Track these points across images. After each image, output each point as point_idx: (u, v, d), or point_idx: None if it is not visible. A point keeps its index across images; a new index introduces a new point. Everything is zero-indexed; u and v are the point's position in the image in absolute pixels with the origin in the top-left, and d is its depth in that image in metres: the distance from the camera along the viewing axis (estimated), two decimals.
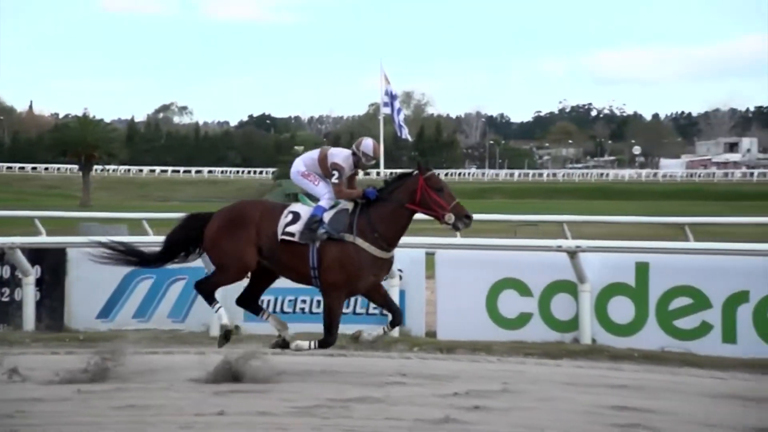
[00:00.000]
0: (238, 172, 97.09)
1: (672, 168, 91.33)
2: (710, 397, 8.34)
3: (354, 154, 9.17)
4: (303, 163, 9.36)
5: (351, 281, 8.91)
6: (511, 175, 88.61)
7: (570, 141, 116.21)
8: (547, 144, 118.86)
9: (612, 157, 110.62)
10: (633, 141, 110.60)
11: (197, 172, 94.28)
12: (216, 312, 9.19)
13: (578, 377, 8.67)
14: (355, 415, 7.55)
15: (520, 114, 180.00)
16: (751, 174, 79.69)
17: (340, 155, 9.15)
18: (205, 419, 7.37)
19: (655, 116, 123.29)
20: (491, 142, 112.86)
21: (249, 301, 9.47)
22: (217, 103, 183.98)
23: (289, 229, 8.91)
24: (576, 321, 10.43)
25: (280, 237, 8.92)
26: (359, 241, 8.79)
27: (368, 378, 8.94)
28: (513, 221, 21.72)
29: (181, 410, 7.66)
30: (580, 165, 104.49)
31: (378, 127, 33.27)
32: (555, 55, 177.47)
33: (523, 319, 10.68)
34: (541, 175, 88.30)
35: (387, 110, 29.35)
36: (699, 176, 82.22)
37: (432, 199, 8.84)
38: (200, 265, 10.10)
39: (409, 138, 34.72)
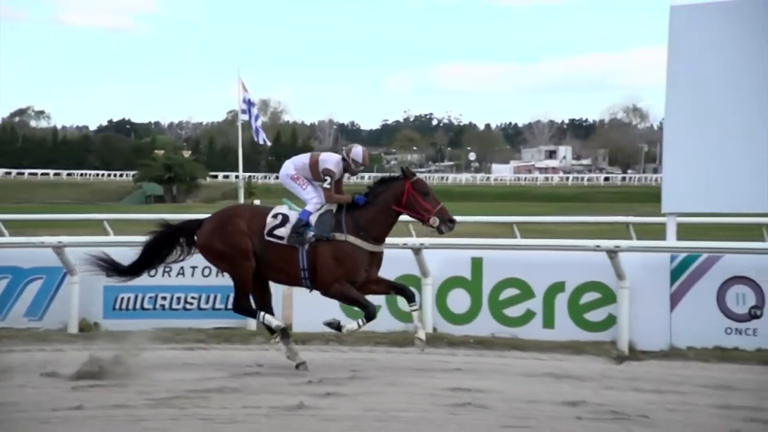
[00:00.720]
0: (97, 174, 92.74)
1: (502, 172, 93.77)
2: (532, 376, 8.62)
3: (344, 159, 9.04)
4: (293, 166, 9.14)
5: (349, 274, 8.72)
6: (362, 177, 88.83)
7: (414, 147, 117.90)
8: (393, 150, 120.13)
9: (451, 163, 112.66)
10: (469, 148, 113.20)
11: (56, 174, 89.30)
12: (263, 321, 8.86)
13: (420, 363, 8.75)
14: (213, 405, 7.40)
15: (369, 122, 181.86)
16: (567, 178, 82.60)
17: (331, 161, 8.99)
18: (62, 414, 7.08)
19: (487, 126, 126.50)
20: (343, 147, 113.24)
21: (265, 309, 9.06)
22: (76, 109, 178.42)
23: (277, 231, 8.72)
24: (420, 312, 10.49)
25: (266, 238, 8.73)
26: (351, 238, 8.67)
27: (226, 370, 8.79)
28: None
29: (39, 406, 7.34)
30: (423, 169, 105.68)
31: (237, 132, 32.93)
32: (400, 69, 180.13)
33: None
34: None
35: (245, 117, 28.92)
36: (524, 180, 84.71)
37: (418, 203, 8.73)
38: (58, 264, 9.81)
39: (268, 143, 34.23)
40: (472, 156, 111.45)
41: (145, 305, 10.97)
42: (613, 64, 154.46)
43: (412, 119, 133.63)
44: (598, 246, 10.06)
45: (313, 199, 8.84)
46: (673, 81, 10.73)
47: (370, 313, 8.66)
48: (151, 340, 9.58)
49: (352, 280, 8.71)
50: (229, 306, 10.60)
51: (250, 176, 63.43)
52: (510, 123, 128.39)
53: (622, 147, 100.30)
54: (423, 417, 7.06)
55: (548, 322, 10.35)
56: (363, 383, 8.27)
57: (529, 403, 7.49)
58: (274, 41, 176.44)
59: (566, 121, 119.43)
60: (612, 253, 9.89)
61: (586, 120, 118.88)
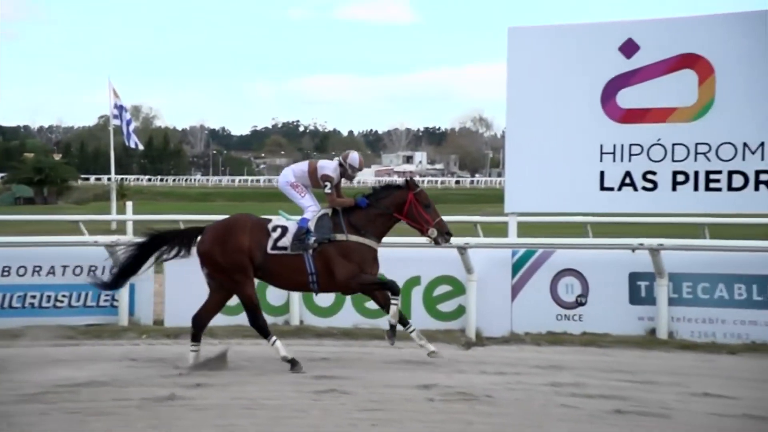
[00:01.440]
0: None
1: (364, 175, 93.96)
2: (390, 363, 8.71)
3: (341, 165, 8.85)
4: (293, 174, 8.92)
5: (361, 266, 8.54)
6: (233, 181, 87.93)
7: (282, 152, 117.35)
8: (263, 154, 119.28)
9: None
10: (334, 153, 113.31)
11: None
12: (273, 344, 8.45)
13: (288, 353, 8.67)
14: (83, 398, 7.19)
15: (240, 128, 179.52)
16: (423, 181, 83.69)
17: (329, 167, 8.81)
18: None
19: (351, 132, 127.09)
20: (214, 151, 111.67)
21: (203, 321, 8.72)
22: None
23: (280, 243, 8.49)
24: (287, 306, 10.48)
25: (270, 252, 8.46)
26: (353, 237, 8.53)
27: (97, 364, 8.51)
28: None
29: None
30: None
31: (108, 137, 32.05)
32: (268, 79, 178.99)
33: (242, 306, 10.57)
34: (258, 180, 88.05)
35: (117, 122, 28.39)
36: (384, 183, 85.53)
37: (419, 213, 8.59)
38: None
39: (140, 146, 33.45)
40: None
41: (14, 303, 10.56)
42: (460, 77, 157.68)
43: (280, 125, 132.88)
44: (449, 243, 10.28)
45: (310, 207, 8.70)
46: (512, 94, 11.00)
47: (394, 289, 8.57)
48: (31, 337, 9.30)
49: (366, 271, 8.63)
50: (102, 303, 10.49)
51: (122, 178, 61.65)
52: (371, 130, 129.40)
53: (470, 153, 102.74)
54: (288, 404, 7.04)
55: (406, 313, 10.32)
56: (232, 374, 8.17)
57: (387, 388, 7.58)
58: (146, 48, 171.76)
59: (421, 129, 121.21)
60: (462, 250, 10.10)
61: (439, 128, 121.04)
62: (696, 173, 10.16)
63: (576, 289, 10.19)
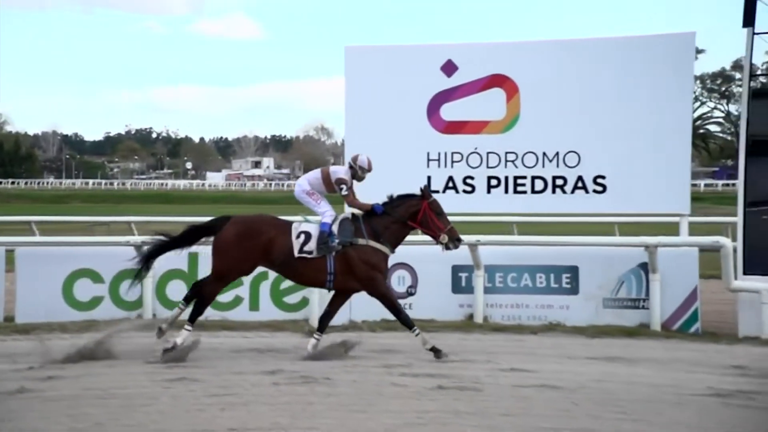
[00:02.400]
0: None
1: (215, 179, 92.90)
2: (239, 351, 8.71)
3: (351, 167, 8.64)
4: (308, 182, 8.68)
5: (382, 271, 8.42)
6: (87, 184, 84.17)
7: (136, 157, 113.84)
8: (117, 159, 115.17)
9: (170, 170, 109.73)
10: (186, 158, 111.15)
11: None
12: (178, 308, 8.48)
13: (139, 346, 8.41)
14: None
15: (93, 134, 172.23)
16: (270, 185, 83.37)
17: (340, 171, 8.64)
18: None
19: (202, 139, 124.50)
20: (68, 156, 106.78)
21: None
22: None
23: (306, 248, 8.28)
24: (141, 301, 10.25)
25: (297, 255, 8.26)
26: (372, 243, 8.34)
27: None
28: (89, 222, 20.81)
29: None
30: (144, 176, 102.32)
31: None
32: (122, 88, 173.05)
33: (95, 302, 10.33)
34: (112, 183, 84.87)
35: None
36: (235, 186, 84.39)
37: (432, 221, 8.39)
38: None
39: None
40: (189, 165, 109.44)
41: None
42: (303, 89, 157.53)
43: (133, 132, 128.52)
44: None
45: (326, 212, 8.47)
46: (350, 106, 11.15)
47: (407, 323, 8.42)
48: None
49: (383, 274, 8.52)
50: None
51: None
52: (221, 137, 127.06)
53: (314, 159, 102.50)
54: (139, 392, 6.88)
55: (254, 305, 10.53)
56: (84, 366, 7.88)
57: (235, 375, 7.54)
58: None
59: (269, 137, 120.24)
60: None
61: (285, 136, 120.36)
62: (506, 178, 10.60)
63: (407, 281, 10.53)
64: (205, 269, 10.28)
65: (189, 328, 8.35)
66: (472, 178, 10.74)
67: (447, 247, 8.46)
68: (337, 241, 8.30)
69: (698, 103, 62.25)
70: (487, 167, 10.68)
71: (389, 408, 6.41)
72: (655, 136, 10.08)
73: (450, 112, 10.76)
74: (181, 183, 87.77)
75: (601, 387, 6.99)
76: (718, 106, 66.82)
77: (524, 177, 10.60)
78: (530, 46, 10.72)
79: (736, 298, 9.66)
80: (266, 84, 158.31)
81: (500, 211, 11.33)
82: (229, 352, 8.63)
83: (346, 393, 6.89)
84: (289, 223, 8.53)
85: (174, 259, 10.52)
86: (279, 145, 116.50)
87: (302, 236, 8.35)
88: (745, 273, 9.68)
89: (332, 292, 8.71)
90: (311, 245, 8.30)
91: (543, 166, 10.54)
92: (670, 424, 5.93)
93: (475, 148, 10.70)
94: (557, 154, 10.51)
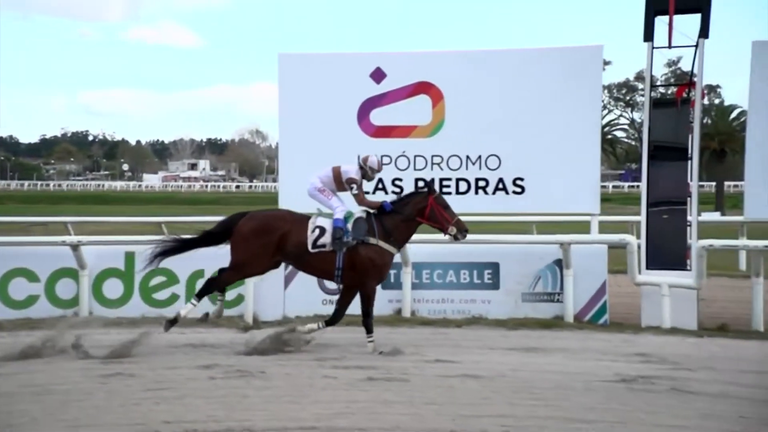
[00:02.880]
0: None
1: (152, 181, 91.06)
2: (175, 347, 8.48)
3: (361, 167, 8.54)
4: (319, 180, 8.56)
5: (380, 274, 8.37)
6: (22, 185, 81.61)
7: (72, 159, 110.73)
8: (53, 161, 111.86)
9: (107, 172, 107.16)
10: (122, 160, 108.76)
11: None
12: (191, 303, 8.32)
13: (102, 341, 8.27)
14: None
15: (28, 136, 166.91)
16: (206, 186, 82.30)
17: (351, 170, 8.51)
18: None
19: (138, 142, 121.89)
20: (2, 158, 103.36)
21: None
22: None
23: (320, 242, 8.22)
24: (77, 299, 10.05)
25: (311, 250, 8.20)
26: (381, 243, 8.26)
27: None
28: (25, 222, 20.20)
29: None
30: (81, 178, 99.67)
31: None
32: (58, 92, 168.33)
33: (31, 300, 10.08)
34: (48, 185, 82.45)
35: None
36: (171, 187, 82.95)
37: (440, 214, 8.35)
38: None
39: None
40: (125, 167, 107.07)
41: None
42: (238, 95, 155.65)
43: (69, 134, 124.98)
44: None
45: (338, 208, 8.38)
46: (284, 111, 11.09)
47: (368, 324, 8.36)
48: None
49: (380, 278, 8.48)
50: None
51: None
52: (158, 140, 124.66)
53: (249, 161, 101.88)
54: (76, 388, 6.75)
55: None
56: (20, 364, 7.67)
57: (171, 369, 7.45)
58: None
59: (204, 140, 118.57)
60: None
61: (221, 139, 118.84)
62: (432, 180, 10.65)
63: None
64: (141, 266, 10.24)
65: (195, 302, 8.34)
66: (400, 179, 10.80)
67: (455, 238, 8.47)
68: (351, 237, 8.26)
69: (606, 111, 63.79)
70: (415, 169, 10.77)
71: (321, 399, 6.44)
72: (569, 141, 10.31)
73: (379, 117, 10.82)
74: (118, 184, 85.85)
75: (518, 376, 7.14)
76: (624, 114, 68.59)
77: (449, 179, 10.72)
78: (454, 55, 10.85)
79: (640, 291, 9.95)
80: (201, 89, 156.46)
81: None
82: (165, 348, 8.45)
83: (280, 385, 6.88)
84: (306, 218, 8.47)
85: (110, 258, 10.42)
86: (215, 148, 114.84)
87: (317, 231, 8.31)
88: (647, 268, 9.98)
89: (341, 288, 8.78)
90: (325, 239, 8.25)
91: (466, 168, 10.68)
92: (579, 408, 6.09)
93: (403, 152, 10.78)
94: (480, 157, 10.66)
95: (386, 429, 5.66)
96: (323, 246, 8.26)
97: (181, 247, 8.70)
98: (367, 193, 10.76)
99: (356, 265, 8.26)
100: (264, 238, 8.23)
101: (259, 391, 6.68)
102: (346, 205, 8.48)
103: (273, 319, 10.18)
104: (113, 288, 10.31)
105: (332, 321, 8.56)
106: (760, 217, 10.24)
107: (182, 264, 10.33)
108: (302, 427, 5.70)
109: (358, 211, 8.49)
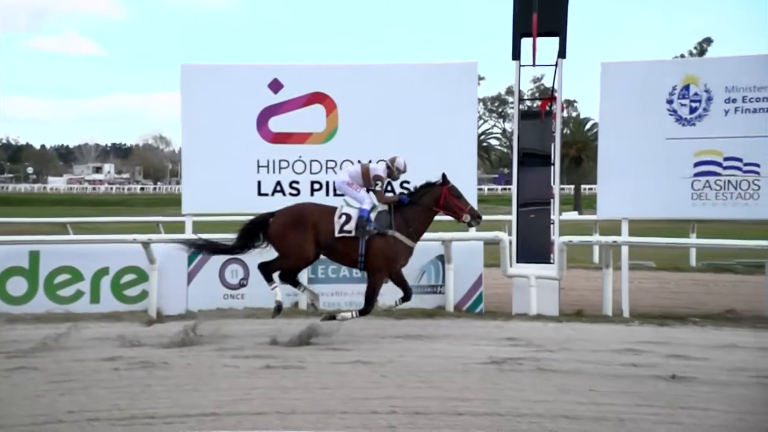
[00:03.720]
0: None
1: (57, 183, 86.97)
2: (81, 340, 8.19)
3: (388, 167, 8.54)
4: (348, 174, 8.60)
5: (390, 264, 8.22)
6: None
7: None
8: None
9: (11, 175, 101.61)
10: (27, 163, 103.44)
11: None
12: (272, 290, 8.31)
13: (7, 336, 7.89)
14: None
15: None
16: (111, 188, 79.35)
17: (379, 169, 8.55)
18: None
19: (43, 146, 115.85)
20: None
21: (290, 276, 8.54)
22: None
23: (346, 227, 8.19)
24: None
25: (337, 234, 8.14)
26: (398, 235, 8.19)
27: None
28: None
29: None
30: None
31: None
32: None
33: None
34: None
35: None
36: (76, 189, 79.47)
37: (454, 204, 8.31)
38: None
39: None
40: (30, 170, 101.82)
41: None
42: (142, 102, 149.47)
43: None
44: (135, 239, 10.01)
45: (365, 200, 8.37)
46: (186, 118, 10.75)
47: (366, 311, 8.30)
48: None
49: (392, 268, 8.31)
50: None
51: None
52: (63, 144, 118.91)
53: (153, 164, 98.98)
54: None
55: (95, 298, 10.08)
56: None
57: (76, 362, 7.20)
58: None
59: (109, 144, 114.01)
60: (146, 245, 9.92)
61: (125, 144, 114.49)
62: (327, 183, 10.62)
63: (239, 274, 10.37)
64: (45, 264, 9.81)
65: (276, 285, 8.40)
66: (297, 182, 10.70)
67: (470, 225, 8.52)
68: (372, 227, 8.22)
69: (482, 121, 65.72)
70: (311, 173, 10.68)
71: (221, 386, 6.34)
72: (449, 147, 10.45)
73: (277, 124, 10.67)
74: (22, 187, 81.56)
75: (405, 361, 7.23)
76: (497, 124, 70.74)
77: None
78: (345, 68, 10.84)
79: (511, 283, 10.22)
80: (105, 96, 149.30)
81: None
82: (70, 342, 8.12)
83: (182, 375, 6.74)
84: (333, 208, 8.45)
85: (14, 257, 9.94)
86: (119, 152, 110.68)
87: (344, 217, 8.28)
88: (517, 261, 10.28)
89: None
90: (350, 226, 8.22)
91: None
92: (458, 388, 6.23)
93: (300, 157, 10.68)
94: (370, 162, 10.69)
95: (283, 413, 5.62)
96: (348, 232, 8.23)
97: (218, 250, 8.79)
98: (266, 195, 10.72)
99: (370, 254, 8.22)
100: (300, 229, 8.23)
101: (162, 381, 6.53)
102: (372, 198, 8.48)
103: (176, 313, 9.95)
104: (18, 285, 9.89)
105: (364, 311, 8.44)
106: (610, 216, 10.67)
107: (86, 262, 10.06)
108: (203, 414, 5.59)
109: (381, 205, 8.48)
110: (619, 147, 10.16)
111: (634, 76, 10.26)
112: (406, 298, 8.50)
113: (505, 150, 63.42)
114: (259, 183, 10.72)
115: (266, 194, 10.72)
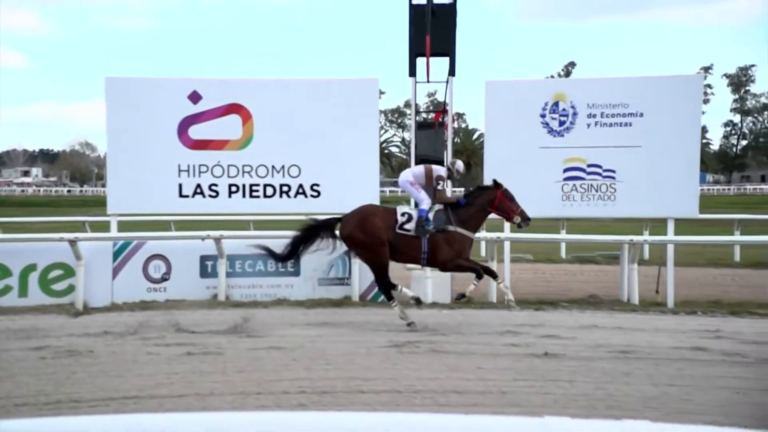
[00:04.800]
0: None
1: None
2: (5, 332, 7.84)
3: (449, 169, 8.53)
4: (412, 174, 8.48)
5: (460, 253, 8.06)
6: None
7: None
8: None
9: None
10: None
11: None
12: (401, 291, 8.12)
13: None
14: None
15: None
16: (39, 191, 75.29)
17: (441, 170, 8.46)
18: None
19: None
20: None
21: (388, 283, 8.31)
22: None
23: (406, 226, 8.08)
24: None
25: (397, 231, 8.03)
26: (459, 230, 8.08)
27: None
28: None
29: None
30: None
31: None
32: None
33: None
34: None
35: None
36: (5, 192, 74.85)
37: (506, 205, 8.18)
38: None
39: None
40: None
41: None
42: (68, 110, 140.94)
43: None
44: (62, 237, 9.62)
45: (424, 200, 8.24)
46: (111, 125, 10.39)
47: (480, 274, 8.05)
48: None
49: (464, 255, 8.14)
50: None
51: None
52: None
53: (79, 169, 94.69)
54: None
55: (23, 293, 9.64)
56: None
57: (2, 351, 6.85)
58: None
59: (37, 150, 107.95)
60: (72, 242, 9.55)
61: (52, 150, 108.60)
62: (244, 186, 10.49)
63: (162, 269, 10.10)
64: None
65: (405, 291, 8.31)
66: (216, 185, 10.50)
67: (519, 225, 8.35)
68: (431, 226, 8.08)
69: (383, 131, 66.39)
70: (228, 177, 10.50)
71: (143, 372, 6.15)
72: (355, 154, 10.51)
73: (197, 132, 10.44)
74: None
75: (314, 346, 7.20)
76: (396, 134, 71.56)
77: (258, 185, 10.54)
78: (260, 82, 10.69)
79: (410, 275, 10.31)
80: (32, 105, 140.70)
81: (239, 212, 11.19)
82: None
83: (107, 362, 6.50)
84: (394, 208, 8.31)
85: None
86: (47, 158, 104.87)
87: (405, 216, 8.16)
88: None
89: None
90: (411, 225, 8.10)
91: (272, 176, 10.54)
92: (361, 370, 6.26)
93: (218, 162, 10.48)
94: (283, 167, 10.58)
95: (202, 395, 5.50)
96: (409, 230, 8.09)
97: (297, 243, 8.52)
98: (186, 196, 10.47)
99: (437, 251, 8.09)
100: (370, 224, 8.10)
101: (87, 368, 6.27)
102: (430, 199, 8.36)
103: (102, 305, 9.58)
104: None
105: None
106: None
107: (15, 260, 9.60)
108: (125, 397, 5.41)
109: (437, 205, 8.34)
110: (501, 154, 10.45)
111: (514, 93, 10.58)
112: (480, 276, 8.16)
113: (404, 156, 64.08)
114: (180, 186, 10.46)
115: (187, 196, 10.49)
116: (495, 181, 8.45)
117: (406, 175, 8.58)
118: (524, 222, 8.31)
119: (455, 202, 8.39)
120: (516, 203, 8.31)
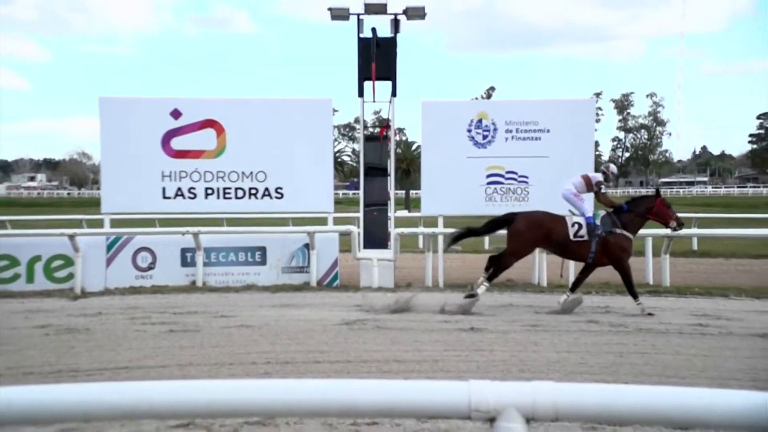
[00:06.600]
0: None
1: None
2: (14, 313, 7.59)
3: (603, 173, 8.07)
4: (573, 185, 7.98)
5: (629, 254, 7.74)
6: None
7: None
8: None
9: None
10: None
11: None
12: (480, 285, 7.79)
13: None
14: None
15: None
16: (42, 193, 72.11)
17: (598, 176, 8.04)
18: None
19: None
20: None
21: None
22: None
23: (579, 233, 7.73)
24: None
25: (573, 238, 7.69)
26: (624, 232, 7.73)
27: None
28: None
29: None
30: None
31: None
32: None
33: None
34: None
35: None
36: (13, 195, 71.40)
37: (664, 212, 7.82)
38: None
39: None
40: None
41: None
42: (65, 126, 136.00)
43: None
44: (62, 233, 9.48)
45: (587, 210, 7.90)
46: (104, 138, 10.18)
47: (635, 294, 7.74)
48: None
49: (629, 256, 7.77)
50: None
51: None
52: (2, 159, 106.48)
53: (78, 175, 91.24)
54: None
55: (30, 279, 9.50)
56: None
57: (11, 330, 6.63)
58: None
59: (41, 159, 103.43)
60: (71, 237, 9.41)
61: (54, 158, 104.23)
62: (218, 189, 10.33)
63: (148, 260, 9.91)
64: None
65: (487, 284, 7.92)
66: (194, 189, 10.32)
67: (674, 230, 7.96)
68: (600, 230, 7.77)
69: (337, 143, 66.56)
70: (205, 181, 10.33)
71: (132, 346, 6.02)
72: (313, 162, 10.44)
73: (178, 143, 10.25)
74: None
75: (278, 324, 7.11)
76: (348, 145, 71.65)
77: (230, 188, 10.38)
78: (231, 101, 10.53)
79: (358, 264, 10.31)
80: (34, 121, 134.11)
81: (215, 211, 11.01)
82: (6, 315, 7.47)
83: (101, 338, 6.36)
84: (563, 217, 7.89)
85: None
86: (50, 165, 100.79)
87: (576, 225, 7.81)
88: (364, 248, 10.44)
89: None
90: (583, 232, 7.77)
91: (242, 181, 10.39)
92: (318, 344, 6.22)
93: (196, 169, 10.31)
94: (252, 172, 10.45)
95: (182, 365, 5.42)
96: (582, 237, 7.78)
97: (469, 233, 8.20)
98: (170, 198, 10.25)
99: (609, 250, 7.74)
100: (535, 232, 7.78)
101: (84, 343, 6.13)
102: (591, 207, 8.16)
103: (97, 290, 9.36)
104: None
105: (573, 287, 8.05)
106: (431, 213, 11.05)
107: (23, 252, 9.38)
108: (117, 367, 5.30)
109: (600, 211, 8.05)
110: (435, 163, 10.55)
111: (445, 111, 10.69)
112: (573, 288, 7.99)
113: (354, 164, 64.07)
114: (163, 189, 10.28)
115: (170, 197, 10.30)
116: (657, 191, 8.21)
117: (568, 186, 8.07)
118: (679, 226, 7.94)
119: (618, 207, 8.01)
120: (672, 210, 7.96)
